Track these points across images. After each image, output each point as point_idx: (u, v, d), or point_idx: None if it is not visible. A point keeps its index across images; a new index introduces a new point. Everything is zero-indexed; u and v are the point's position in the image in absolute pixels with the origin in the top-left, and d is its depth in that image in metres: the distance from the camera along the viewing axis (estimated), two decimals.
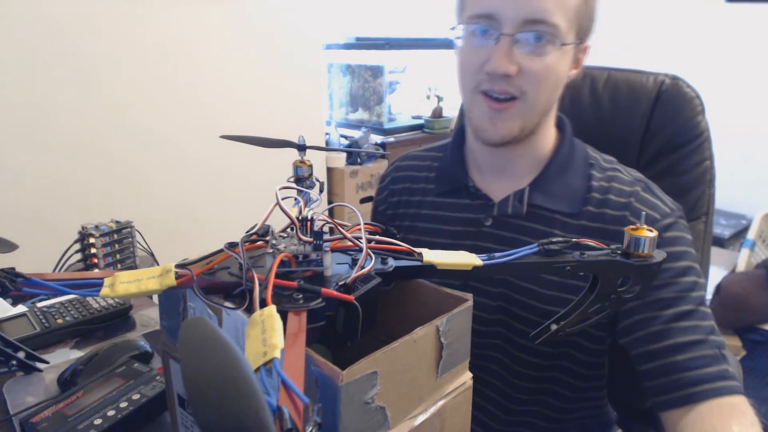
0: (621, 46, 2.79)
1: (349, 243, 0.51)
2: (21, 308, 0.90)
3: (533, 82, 0.70)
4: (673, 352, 0.67)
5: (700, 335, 0.67)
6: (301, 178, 0.62)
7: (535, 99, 0.71)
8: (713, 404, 0.64)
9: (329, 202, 2.27)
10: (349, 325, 0.45)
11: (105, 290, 0.45)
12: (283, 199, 0.49)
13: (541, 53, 0.69)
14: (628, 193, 0.74)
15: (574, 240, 0.56)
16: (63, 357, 0.81)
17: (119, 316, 0.93)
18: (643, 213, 0.58)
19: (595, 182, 0.76)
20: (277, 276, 0.43)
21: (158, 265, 0.65)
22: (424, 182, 0.88)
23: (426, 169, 0.90)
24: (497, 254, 0.55)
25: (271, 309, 0.38)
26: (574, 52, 0.73)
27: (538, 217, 0.76)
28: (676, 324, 0.68)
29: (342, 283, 0.45)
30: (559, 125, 0.82)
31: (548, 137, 0.80)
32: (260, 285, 0.42)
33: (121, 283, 0.45)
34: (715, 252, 2.04)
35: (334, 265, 0.49)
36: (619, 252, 0.54)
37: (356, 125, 2.65)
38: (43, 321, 0.85)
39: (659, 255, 0.54)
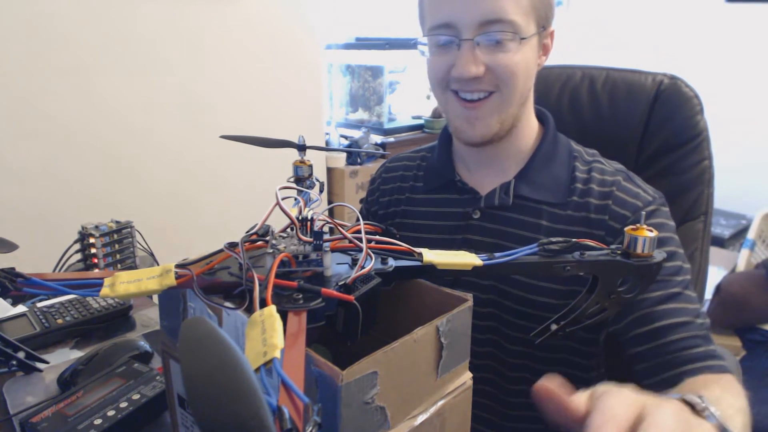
0: (620, 45, 2.79)
1: (349, 243, 0.51)
2: (21, 308, 0.90)
3: (505, 76, 0.72)
4: (662, 333, 0.68)
5: (687, 317, 0.69)
6: (301, 178, 0.62)
7: (510, 92, 0.73)
8: (699, 379, 0.65)
9: (329, 202, 2.27)
10: (349, 325, 0.45)
11: (105, 290, 0.45)
12: (283, 199, 0.49)
13: (505, 50, 0.71)
14: (610, 183, 0.76)
15: (573, 240, 0.56)
16: (63, 357, 0.81)
17: (119, 316, 0.93)
18: (643, 213, 0.58)
19: (578, 173, 0.78)
20: (277, 276, 0.43)
21: (158, 265, 0.65)
22: (413, 180, 0.90)
23: (415, 168, 0.91)
24: (497, 254, 0.55)
25: (271, 309, 0.38)
26: (538, 40, 0.74)
27: (525, 208, 0.78)
28: (663, 306, 0.69)
29: (342, 283, 0.45)
30: (541, 119, 0.84)
31: (530, 130, 0.81)
32: (260, 285, 0.42)
33: (121, 283, 0.45)
34: (715, 252, 2.04)
35: (334, 265, 0.49)
36: (619, 252, 0.54)
37: (356, 125, 2.65)
38: (43, 321, 0.85)
39: (659, 255, 0.54)
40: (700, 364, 0.66)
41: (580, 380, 0.80)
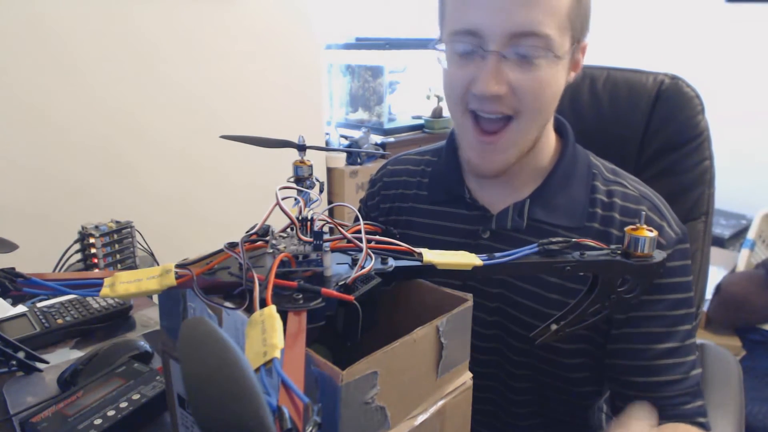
0: (621, 45, 2.79)
1: (349, 243, 0.51)
2: (21, 308, 0.90)
3: (528, 100, 0.65)
4: (655, 388, 0.69)
5: (682, 374, 0.69)
6: (301, 178, 0.62)
7: (531, 118, 0.67)
8: (680, 428, 0.67)
9: (329, 202, 2.27)
10: (349, 325, 0.45)
11: (105, 290, 0.45)
12: (283, 199, 0.49)
13: (533, 67, 0.63)
14: (633, 212, 0.71)
15: (574, 240, 0.56)
16: (63, 357, 0.81)
17: (119, 316, 0.92)
18: (643, 213, 0.58)
19: (598, 195, 0.73)
20: (277, 276, 0.43)
21: (158, 265, 0.65)
22: (417, 188, 0.84)
23: (419, 174, 0.85)
24: (497, 254, 0.55)
25: (271, 309, 0.38)
26: (570, 55, 0.68)
27: (539, 231, 0.73)
28: (661, 361, 0.69)
29: (342, 283, 0.45)
30: (560, 130, 0.78)
31: (548, 144, 0.76)
32: (260, 285, 0.42)
33: (121, 283, 0.45)
34: (715, 252, 2.03)
35: (334, 265, 0.49)
36: (619, 252, 0.54)
37: (356, 125, 2.65)
38: (43, 321, 0.85)
39: (659, 255, 0.54)
40: (684, 419, 0.68)
41: (582, 386, 0.80)
